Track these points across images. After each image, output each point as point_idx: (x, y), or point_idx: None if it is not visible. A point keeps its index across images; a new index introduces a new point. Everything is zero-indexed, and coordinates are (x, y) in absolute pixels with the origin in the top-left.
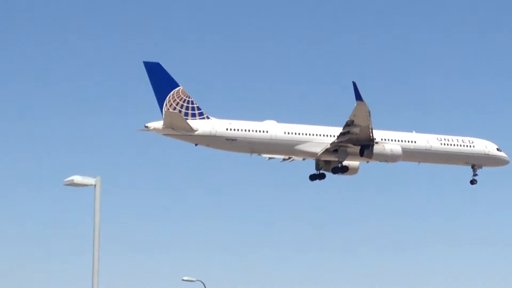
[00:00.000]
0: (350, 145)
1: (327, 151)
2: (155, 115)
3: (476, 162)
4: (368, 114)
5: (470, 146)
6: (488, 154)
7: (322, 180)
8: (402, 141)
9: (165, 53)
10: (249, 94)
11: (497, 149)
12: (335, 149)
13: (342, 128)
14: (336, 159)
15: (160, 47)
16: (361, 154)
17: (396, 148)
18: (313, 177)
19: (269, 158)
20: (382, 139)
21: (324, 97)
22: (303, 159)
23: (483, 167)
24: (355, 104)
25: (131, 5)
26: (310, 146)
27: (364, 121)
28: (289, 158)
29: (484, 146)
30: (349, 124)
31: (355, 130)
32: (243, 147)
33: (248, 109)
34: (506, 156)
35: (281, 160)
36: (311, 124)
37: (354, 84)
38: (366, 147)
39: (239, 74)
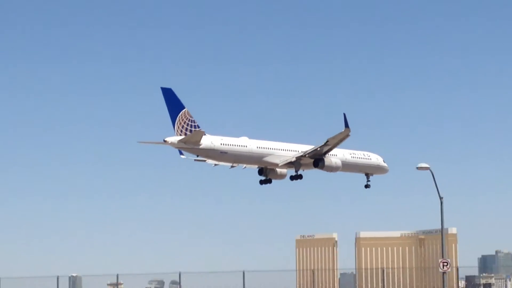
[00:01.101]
0: (306, 158)
1: (290, 162)
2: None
3: (370, 171)
4: (344, 138)
5: (368, 159)
6: (378, 165)
7: (269, 184)
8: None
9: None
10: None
11: (383, 161)
12: (293, 161)
13: (310, 145)
14: (284, 169)
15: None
16: (315, 165)
17: (338, 161)
18: (262, 182)
19: (215, 164)
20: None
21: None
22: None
23: (373, 175)
24: (343, 130)
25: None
26: (273, 158)
27: (335, 142)
28: (232, 166)
29: (376, 158)
30: (325, 143)
31: (325, 148)
32: (230, 159)
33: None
34: (387, 166)
35: (230, 167)
36: (274, 141)
37: (344, 115)
38: (319, 160)
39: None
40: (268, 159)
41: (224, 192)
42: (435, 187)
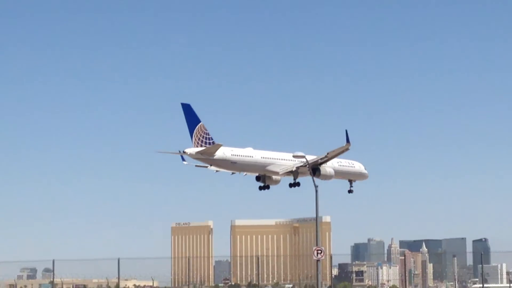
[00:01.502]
0: (304, 167)
1: (290, 171)
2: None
3: (354, 178)
4: (343, 151)
5: (352, 166)
6: (361, 172)
7: (267, 190)
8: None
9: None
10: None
11: (364, 168)
12: (293, 170)
13: (308, 155)
14: (278, 177)
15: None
16: (313, 174)
17: (331, 170)
18: (261, 188)
19: (216, 171)
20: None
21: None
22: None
23: (356, 181)
24: (344, 145)
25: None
26: (275, 167)
27: (334, 155)
28: (233, 173)
29: (359, 166)
30: (325, 155)
31: (324, 158)
32: (238, 168)
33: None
34: (367, 173)
35: (231, 173)
36: (276, 151)
37: (346, 131)
38: (316, 169)
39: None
40: (270, 168)
41: (100, 178)
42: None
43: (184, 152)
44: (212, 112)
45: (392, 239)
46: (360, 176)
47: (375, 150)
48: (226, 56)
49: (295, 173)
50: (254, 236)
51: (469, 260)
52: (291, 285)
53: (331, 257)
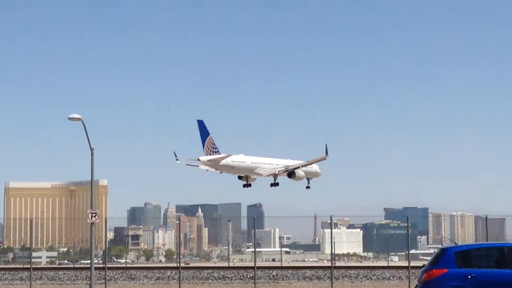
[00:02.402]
0: (284, 172)
1: (273, 174)
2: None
3: (311, 176)
4: (320, 161)
5: (311, 167)
6: (316, 171)
7: (249, 188)
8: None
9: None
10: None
11: (318, 168)
12: (274, 173)
13: (288, 159)
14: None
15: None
16: (289, 176)
17: (302, 172)
18: (245, 186)
19: (206, 170)
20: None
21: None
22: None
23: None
24: (324, 156)
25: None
26: (260, 170)
27: (312, 162)
28: (221, 172)
29: (316, 166)
30: (306, 162)
31: (303, 165)
32: (234, 171)
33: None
34: (320, 171)
35: (220, 172)
36: (261, 156)
37: (326, 145)
38: (292, 173)
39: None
40: (257, 170)
41: None
42: (86, 138)
43: (198, 159)
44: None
45: (168, 203)
46: (316, 174)
47: None
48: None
49: (275, 175)
50: (29, 199)
51: (244, 225)
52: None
53: (106, 221)
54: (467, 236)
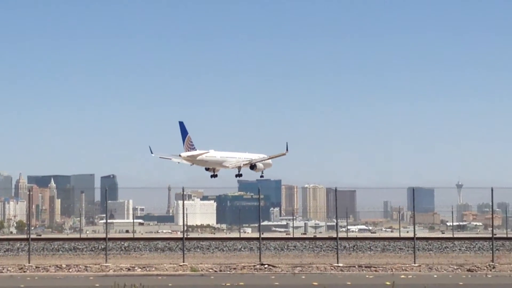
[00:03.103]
0: (247, 164)
1: (238, 167)
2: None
3: (266, 167)
4: (280, 156)
5: (265, 158)
6: (269, 163)
7: (215, 178)
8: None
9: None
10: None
11: (270, 160)
12: (239, 165)
13: (252, 153)
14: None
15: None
16: (251, 168)
17: (262, 165)
18: (212, 176)
19: (178, 162)
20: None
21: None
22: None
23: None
24: (285, 152)
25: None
26: (227, 163)
27: (273, 157)
28: (192, 164)
29: (267, 157)
30: (268, 157)
31: (265, 159)
32: (207, 164)
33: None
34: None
35: (190, 165)
36: (229, 151)
37: (287, 143)
38: (254, 165)
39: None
40: (224, 164)
41: None
42: None
43: (180, 155)
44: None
45: (20, 174)
46: (269, 165)
47: None
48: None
49: (239, 168)
50: None
51: (97, 196)
52: None
53: None
54: (318, 208)
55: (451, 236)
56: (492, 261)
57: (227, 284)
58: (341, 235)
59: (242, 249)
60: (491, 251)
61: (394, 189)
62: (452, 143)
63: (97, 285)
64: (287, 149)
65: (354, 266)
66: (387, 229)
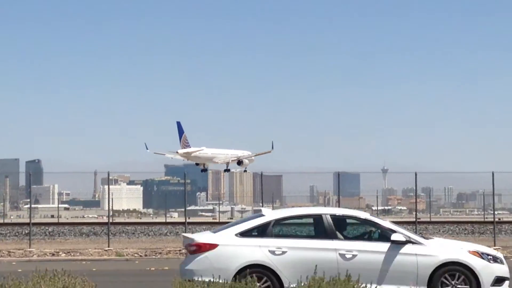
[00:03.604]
0: (235, 160)
1: (227, 163)
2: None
3: (250, 162)
4: (265, 153)
5: (249, 155)
6: (252, 159)
7: (205, 171)
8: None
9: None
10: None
11: (256, 155)
12: (227, 161)
13: (240, 150)
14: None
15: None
16: (238, 164)
17: (247, 161)
18: (202, 170)
19: (172, 158)
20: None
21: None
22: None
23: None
24: (270, 150)
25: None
26: (217, 159)
27: (259, 154)
28: (185, 160)
29: (251, 154)
30: (255, 155)
31: (251, 156)
32: (201, 160)
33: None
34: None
35: (183, 160)
36: (218, 148)
37: (272, 142)
38: (241, 162)
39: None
40: (214, 160)
41: None
42: None
43: (177, 152)
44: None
45: None
46: (251, 161)
47: None
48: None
49: (227, 163)
50: None
51: (22, 181)
52: None
53: None
54: (245, 193)
55: None
56: None
57: (151, 269)
58: None
59: (168, 233)
60: None
61: (320, 174)
62: (378, 128)
63: (19, 270)
64: (272, 147)
65: None
66: None
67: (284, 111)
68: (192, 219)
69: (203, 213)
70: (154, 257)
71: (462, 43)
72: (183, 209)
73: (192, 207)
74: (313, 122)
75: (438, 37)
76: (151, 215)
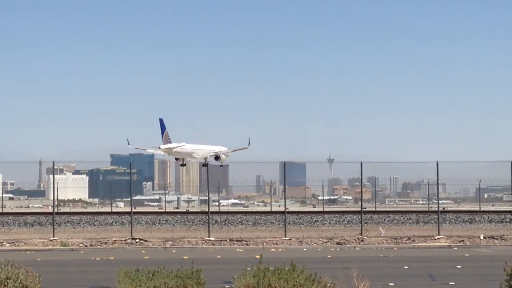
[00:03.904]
0: (212, 156)
1: (205, 158)
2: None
3: (227, 157)
4: (241, 149)
5: (225, 150)
6: (228, 154)
7: (184, 166)
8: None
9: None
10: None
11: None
12: (205, 156)
13: (218, 146)
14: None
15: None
16: (216, 159)
17: (224, 156)
18: (181, 165)
19: (152, 153)
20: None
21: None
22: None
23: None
24: (247, 146)
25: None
26: (196, 154)
27: (236, 150)
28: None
29: (227, 150)
30: (232, 150)
31: (228, 151)
32: (181, 155)
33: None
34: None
35: (163, 155)
36: (197, 144)
37: (249, 139)
38: (218, 157)
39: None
40: (194, 155)
41: None
42: None
43: (159, 147)
44: None
45: None
46: (227, 156)
47: None
48: None
49: (206, 158)
50: None
51: None
52: None
53: None
54: (191, 182)
55: (322, 210)
56: (361, 234)
57: (97, 259)
58: (213, 209)
59: (113, 223)
60: (360, 225)
61: (267, 164)
62: (324, 119)
63: None
64: (249, 144)
65: (225, 240)
66: (260, 203)
67: (233, 101)
68: (138, 209)
69: (149, 203)
70: (99, 247)
71: (406, 34)
72: (129, 199)
73: (138, 197)
74: (260, 112)
75: (379, 29)
76: (97, 205)
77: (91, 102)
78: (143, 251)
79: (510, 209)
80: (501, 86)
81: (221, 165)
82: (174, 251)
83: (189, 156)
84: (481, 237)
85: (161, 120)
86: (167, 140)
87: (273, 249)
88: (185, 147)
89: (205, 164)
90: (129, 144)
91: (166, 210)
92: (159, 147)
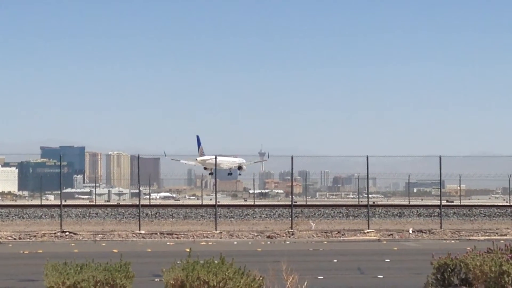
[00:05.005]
0: (236, 167)
1: (230, 168)
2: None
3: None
4: (262, 161)
5: (242, 160)
6: (246, 164)
7: (212, 174)
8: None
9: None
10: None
11: (255, 163)
12: (231, 167)
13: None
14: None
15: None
16: (239, 169)
17: (245, 167)
18: (210, 174)
19: (185, 163)
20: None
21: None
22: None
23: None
24: (266, 159)
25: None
26: (223, 165)
27: (257, 162)
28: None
29: (245, 162)
30: (254, 162)
31: (245, 163)
32: (211, 166)
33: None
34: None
35: (194, 164)
36: (224, 156)
37: (268, 153)
38: (241, 167)
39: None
40: (221, 166)
41: None
42: None
43: (196, 159)
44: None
45: None
46: (246, 165)
47: None
48: None
49: (231, 168)
50: None
51: None
52: None
53: None
54: (122, 175)
55: (253, 203)
56: (291, 227)
57: (25, 252)
58: (144, 202)
59: (43, 216)
60: (290, 218)
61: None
62: (255, 113)
63: None
64: (268, 156)
65: (156, 233)
66: (191, 197)
67: (161, 95)
68: (68, 202)
69: (80, 196)
70: (28, 240)
71: (348, 33)
72: (59, 192)
73: (69, 190)
74: (191, 107)
75: (312, 28)
76: (27, 198)
77: (22, 95)
78: (73, 244)
79: (439, 203)
80: (431, 80)
81: (239, 174)
82: (104, 244)
83: (218, 167)
84: (410, 231)
85: (197, 137)
86: (202, 154)
87: (204, 243)
88: (215, 159)
89: (229, 173)
90: (165, 155)
91: (97, 203)
92: (196, 159)
